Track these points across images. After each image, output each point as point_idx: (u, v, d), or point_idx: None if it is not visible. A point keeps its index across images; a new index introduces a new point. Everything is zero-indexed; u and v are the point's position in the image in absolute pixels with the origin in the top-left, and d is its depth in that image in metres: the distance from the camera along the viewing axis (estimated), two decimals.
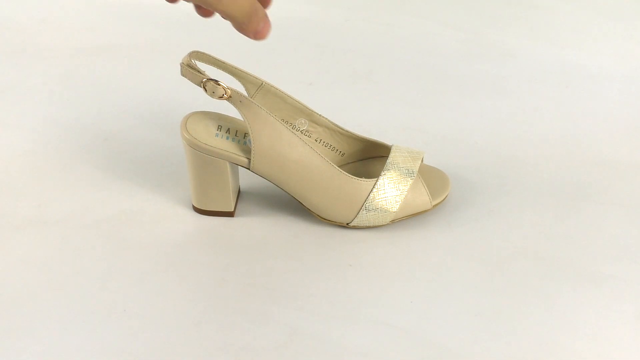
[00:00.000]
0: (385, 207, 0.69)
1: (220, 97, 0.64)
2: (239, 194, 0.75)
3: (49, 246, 0.69)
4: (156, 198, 0.75)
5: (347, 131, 0.73)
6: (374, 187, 0.68)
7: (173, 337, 0.60)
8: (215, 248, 0.69)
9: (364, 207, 0.68)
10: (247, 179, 0.77)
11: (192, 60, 0.65)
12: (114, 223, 0.72)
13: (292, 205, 0.73)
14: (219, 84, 0.63)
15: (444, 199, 0.72)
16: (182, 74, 0.65)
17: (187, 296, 0.65)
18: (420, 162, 0.71)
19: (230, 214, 0.72)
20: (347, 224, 0.70)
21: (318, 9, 1.14)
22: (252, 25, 0.54)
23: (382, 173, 0.69)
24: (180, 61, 0.64)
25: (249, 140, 0.69)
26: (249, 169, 0.68)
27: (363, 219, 0.69)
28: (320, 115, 0.72)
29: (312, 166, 0.67)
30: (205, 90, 0.64)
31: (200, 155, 0.68)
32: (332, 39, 1.07)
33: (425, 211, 0.71)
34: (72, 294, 0.64)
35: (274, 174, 0.68)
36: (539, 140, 0.86)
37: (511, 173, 0.81)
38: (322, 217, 0.70)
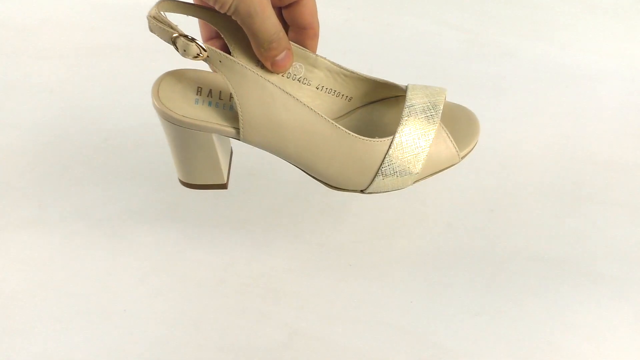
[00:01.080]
0: (405, 169, 0.58)
1: (195, 58, 0.52)
2: (231, 157, 0.66)
3: (49, 246, 0.69)
4: (156, 198, 0.75)
5: (351, 72, 0.62)
6: (389, 147, 0.57)
7: (173, 337, 0.60)
8: (215, 248, 0.69)
9: (379, 172, 0.57)
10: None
11: (162, 13, 0.53)
12: (114, 223, 0.72)
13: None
14: (192, 41, 0.52)
15: (473, 147, 0.61)
16: (151, 29, 0.53)
17: (187, 296, 0.65)
18: (442, 104, 0.60)
19: (223, 186, 0.63)
20: (362, 190, 0.59)
21: (318, 9, 1.14)
22: (272, 51, 0.53)
23: (400, 126, 0.57)
24: (147, 13, 0.53)
25: (236, 104, 0.57)
26: (238, 139, 0.57)
27: (380, 184, 0.58)
28: (317, 56, 0.61)
29: (314, 130, 0.56)
30: (176, 48, 0.52)
31: (179, 128, 0.57)
32: (332, 39, 1.07)
33: (452, 165, 0.60)
34: (72, 294, 0.64)
35: (269, 143, 0.56)
36: (538, 140, 0.86)
37: (511, 173, 0.81)
38: (331, 186, 0.60)
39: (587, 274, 0.67)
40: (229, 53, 0.58)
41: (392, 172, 0.57)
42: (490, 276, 0.67)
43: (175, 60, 0.70)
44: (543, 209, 0.75)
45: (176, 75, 0.58)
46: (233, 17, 0.52)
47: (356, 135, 0.56)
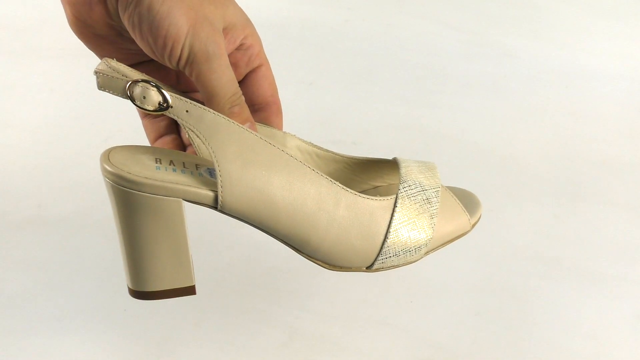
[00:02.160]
0: (416, 238, 0.49)
1: (156, 109, 0.43)
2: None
3: (49, 246, 0.69)
4: None
5: (326, 151, 0.53)
6: (394, 211, 0.48)
7: (173, 337, 0.60)
8: (215, 248, 0.69)
9: (385, 243, 0.48)
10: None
11: (110, 64, 0.44)
12: (114, 223, 0.72)
13: None
14: (152, 85, 0.42)
15: (479, 218, 0.54)
16: (100, 86, 0.43)
17: (187, 297, 0.65)
18: (437, 173, 0.53)
19: (190, 291, 0.48)
20: (368, 268, 0.50)
21: (318, 9, 1.14)
22: (234, 116, 0.45)
23: (400, 190, 0.49)
24: (95, 69, 0.43)
25: (206, 171, 0.47)
26: (216, 208, 0.45)
27: (388, 261, 0.49)
28: (286, 133, 0.52)
29: (307, 190, 0.46)
30: (133, 99, 0.42)
31: (138, 200, 0.44)
32: (332, 39, 1.07)
33: (464, 234, 0.53)
34: (72, 294, 0.64)
35: (255, 209, 0.45)
36: (538, 140, 0.86)
37: (511, 173, 0.81)
38: (330, 266, 0.49)
39: (587, 274, 0.67)
40: (184, 150, 0.50)
41: (402, 237, 0.48)
42: (490, 276, 0.67)
43: None
44: (543, 209, 0.75)
45: (127, 149, 0.46)
46: (186, 68, 0.44)
47: (357, 193, 0.48)
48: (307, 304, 0.64)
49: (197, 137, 0.44)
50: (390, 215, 0.48)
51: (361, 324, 0.62)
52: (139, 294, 0.47)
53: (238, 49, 0.48)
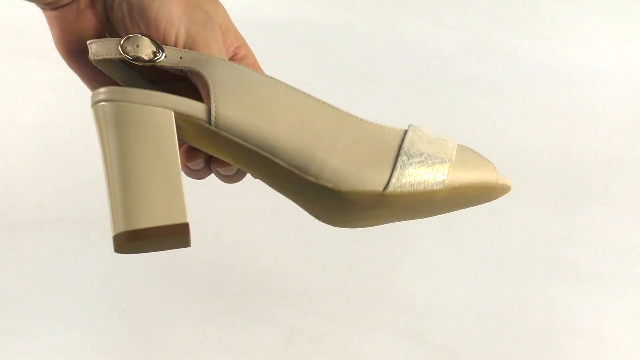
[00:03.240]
0: (435, 154, 0.43)
1: (150, 59, 0.41)
2: None
3: (49, 246, 0.69)
4: None
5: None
6: (406, 133, 0.43)
7: (173, 337, 0.60)
8: (215, 248, 0.69)
9: (401, 152, 0.42)
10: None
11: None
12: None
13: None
14: (145, 35, 0.41)
15: (509, 188, 0.48)
16: (94, 54, 0.43)
17: (187, 296, 0.64)
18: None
19: (184, 229, 0.42)
20: (384, 189, 0.42)
21: (318, 9, 1.14)
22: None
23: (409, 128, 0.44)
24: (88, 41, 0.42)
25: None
26: (209, 125, 0.41)
27: (406, 174, 0.42)
28: None
29: (309, 108, 0.43)
30: (127, 53, 0.41)
31: (128, 114, 0.40)
32: (332, 39, 1.07)
33: (490, 188, 0.46)
34: (72, 294, 0.64)
35: (251, 123, 0.41)
36: (538, 140, 0.86)
37: (511, 173, 0.80)
38: (340, 189, 0.42)
39: (587, 274, 0.67)
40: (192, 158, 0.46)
41: (416, 152, 0.42)
42: (490, 276, 0.67)
43: None
44: (543, 209, 0.75)
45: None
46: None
47: (364, 119, 0.44)
48: (307, 304, 0.64)
49: (193, 72, 0.41)
50: (403, 134, 0.43)
51: (361, 324, 0.62)
52: (129, 234, 0.41)
53: (231, 58, 0.45)
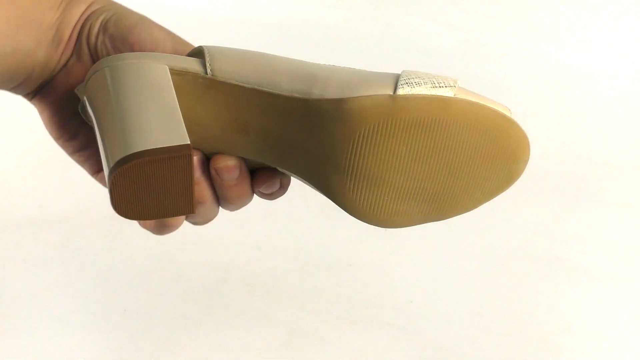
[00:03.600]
0: (436, 78, 0.41)
1: None
2: None
3: (49, 246, 0.69)
4: None
5: None
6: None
7: (173, 337, 0.60)
8: (215, 248, 0.69)
9: (400, 77, 0.40)
10: None
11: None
12: (114, 223, 0.72)
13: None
14: None
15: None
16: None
17: (187, 296, 0.64)
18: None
19: (186, 150, 0.37)
20: (394, 92, 0.39)
21: (318, 9, 1.14)
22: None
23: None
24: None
25: None
26: (205, 74, 0.40)
27: (412, 82, 0.39)
28: None
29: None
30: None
31: (124, 71, 0.39)
32: (332, 39, 1.07)
33: (507, 118, 0.43)
34: (72, 294, 0.64)
35: (246, 68, 0.40)
36: (538, 140, 0.86)
37: None
38: (348, 96, 0.39)
39: (587, 274, 0.67)
40: None
41: (416, 77, 0.40)
42: (490, 276, 0.67)
43: None
44: (543, 209, 0.75)
45: None
46: None
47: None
48: (307, 304, 0.64)
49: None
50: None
51: (361, 324, 0.62)
52: (128, 158, 0.36)
53: None
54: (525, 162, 0.46)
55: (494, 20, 1.13)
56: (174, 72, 0.39)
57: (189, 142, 0.36)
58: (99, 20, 0.41)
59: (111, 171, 0.37)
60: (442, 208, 0.44)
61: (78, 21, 0.41)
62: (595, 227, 0.73)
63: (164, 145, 0.36)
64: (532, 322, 0.62)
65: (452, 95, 0.40)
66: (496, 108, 0.42)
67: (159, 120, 0.37)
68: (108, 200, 0.43)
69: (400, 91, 0.38)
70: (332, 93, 0.39)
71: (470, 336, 0.61)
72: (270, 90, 0.39)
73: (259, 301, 0.64)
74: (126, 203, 0.38)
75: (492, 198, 0.46)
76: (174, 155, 0.36)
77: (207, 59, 0.40)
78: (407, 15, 1.14)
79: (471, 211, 0.49)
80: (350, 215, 0.43)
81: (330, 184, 0.42)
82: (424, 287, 0.66)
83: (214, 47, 0.41)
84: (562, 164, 0.82)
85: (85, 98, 0.40)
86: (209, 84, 0.40)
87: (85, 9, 0.41)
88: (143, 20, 0.41)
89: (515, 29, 1.11)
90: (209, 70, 0.39)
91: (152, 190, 0.37)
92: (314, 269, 0.67)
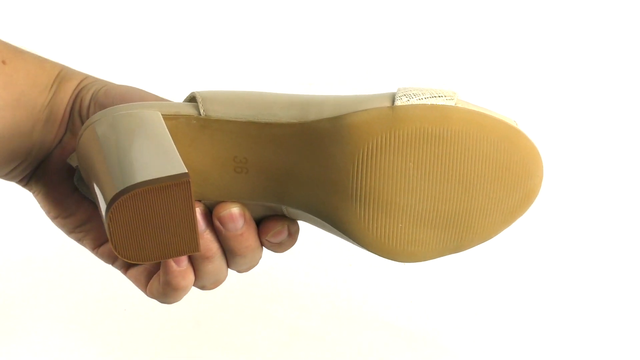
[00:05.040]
0: (435, 90, 0.39)
1: None
2: None
3: (49, 246, 0.69)
4: None
5: None
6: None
7: (173, 337, 0.60)
8: None
9: (398, 91, 0.38)
10: None
11: None
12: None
13: None
14: None
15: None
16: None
17: (187, 296, 0.65)
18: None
19: (184, 179, 0.35)
20: (392, 104, 0.37)
21: (318, 9, 1.14)
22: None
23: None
24: None
25: None
26: (199, 115, 0.39)
27: (410, 94, 0.38)
28: None
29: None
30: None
31: (118, 120, 0.38)
32: (332, 39, 1.07)
33: (512, 127, 0.42)
34: (72, 294, 0.64)
35: (244, 101, 0.39)
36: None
37: None
38: (346, 113, 0.37)
39: (587, 273, 0.67)
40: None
41: (414, 90, 0.38)
42: (490, 276, 0.67)
43: (177, 62, 0.70)
44: (542, 209, 0.75)
45: None
46: None
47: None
48: (307, 304, 0.64)
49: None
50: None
51: (361, 324, 0.62)
52: (124, 190, 0.34)
53: None
54: (540, 177, 0.42)
55: (494, 21, 1.13)
56: (167, 117, 0.38)
57: (186, 171, 0.34)
58: (90, 93, 0.41)
59: (107, 208, 0.34)
60: (461, 235, 0.42)
61: (70, 98, 0.41)
62: (595, 228, 0.73)
63: (161, 175, 0.34)
64: (532, 322, 0.62)
65: (453, 105, 0.38)
66: (499, 115, 0.41)
67: (154, 155, 0.36)
68: None
69: (399, 102, 0.37)
70: (328, 112, 0.37)
71: (470, 336, 0.61)
72: (267, 120, 0.38)
73: (259, 301, 0.64)
74: (126, 242, 0.35)
75: (511, 222, 0.43)
76: (172, 184, 0.34)
77: (200, 101, 0.39)
78: (407, 15, 1.14)
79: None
80: (368, 252, 0.40)
81: (340, 214, 0.39)
82: (424, 287, 0.66)
83: (205, 91, 0.40)
84: (562, 164, 0.82)
85: (78, 163, 0.39)
86: (203, 123, 0.39)
87: (77, 85, 0.41)
88: (132, 89, 0.41)
89: (515, 29, 1.11)
90: (202, 111, 0.38)
91: (152, 227, 0.35)
92: (314, 269, 0.67)
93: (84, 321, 0.62)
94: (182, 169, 0.35)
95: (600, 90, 0.97)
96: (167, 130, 0.37)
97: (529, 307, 0.64)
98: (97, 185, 0.36)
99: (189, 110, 0.38)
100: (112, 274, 0.66)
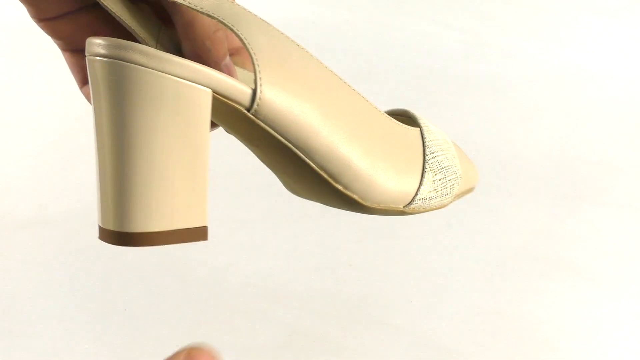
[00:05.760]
0: (450, 165, 0.42)
1: None
2: None
3: (49, 246, 0.69)
4: None
5: None
6: (423, 134, 0.41)
7: (173, 337, 0.60)
8: (215, 248, 0.69)
9: (426, 166, 0.40)
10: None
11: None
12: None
13: (292, 198, 0.73)
14: None
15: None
16: None
17: (187, 296, 0.65)
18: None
19: (201, 234, 0.35)
20: (405, 206, 0.40)
21: (318, 9, 1.14)
22: (212, 51, 0.34)
23: (420, 123, 0.42)
24: None
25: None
26: (249, 111, 0.33)
27: (428, 192, 0.40)
28: None
29: (345, 101, 0.38)
30: None
31: (157, 86, 0.31)
32: (332, 39, 1.07)
33: (474, 188, 0.46)
34: (72, 294, 0.64)
35: (294, 114, 0.35)
36: (538, 140, 0.86)
37: (511, 173, 0.81)
38: (366, 202, 0.38)
39: (587, 274, 0.67)
40: None
41: (439, 167, 0.40)
42: (490, 276, 0.67)
43: None
44: (543, 209, 0.75)
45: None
46: None
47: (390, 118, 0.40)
48: (307, 304, 0.64)
49: (222, 23, 0.33)
50: (422, 142, 0.40)
51: (361, 324, 0.62)
52: (126, 237, 0.32)
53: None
54: None
55: (494, 21, 1.13)
56: (214, 96, 0.32)
57: (206, 225, 0.34)
58: None
59: (106, 232, 0.33)
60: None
61: None
62: (595, 227, 0.73)
63: (182, 227, 0.33)
64: (532, 322, 0.62)
65: (457, 191, 0.42)
66: (472, 186, 0.45)
67: (180, 189, 0.32)
68: None
69: (412, 206, 0.39)
70: (354, 191, 0.37)
71: (470, 336, 0.61)
72: (303, 158, 0.36)
73: (259, 301, 0.64)
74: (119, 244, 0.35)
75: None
76: (186, 237, 0.34)
77: (259, 90, 0.33)
78: (407, 15, 1.14)
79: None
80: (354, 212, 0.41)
81: (317, 199, 0.42)
82: (424, 287, 0.66)
83: (265, 58, 0.34)
84: (562, 164, 0.82)
85: (100, 65, 0.31)
86: (248, 120, 0.34)
87: None
88: None
89: (515, 29, 1.11)
90: (254, 109, 0.33)
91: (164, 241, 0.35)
92: (314, 269, 0.67)
93: (84, 321, 0.62)
94: (204, 221, 0.33)
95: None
96: (209, 135, 0.32)
97: (529, 307, 0.64)
98: (99, 164, 0.32)
99: (244, 98, 0.33)
100: (113, 274, 0.67)
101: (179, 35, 0.34)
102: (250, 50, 0.33)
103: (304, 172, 0.37)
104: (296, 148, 0.35)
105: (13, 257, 0.68)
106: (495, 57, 1.04)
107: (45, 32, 0.38)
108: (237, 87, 0.32)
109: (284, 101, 0.34)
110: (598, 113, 0.92)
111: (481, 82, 0.98)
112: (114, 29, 0.37)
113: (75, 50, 0.38)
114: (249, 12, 0.34)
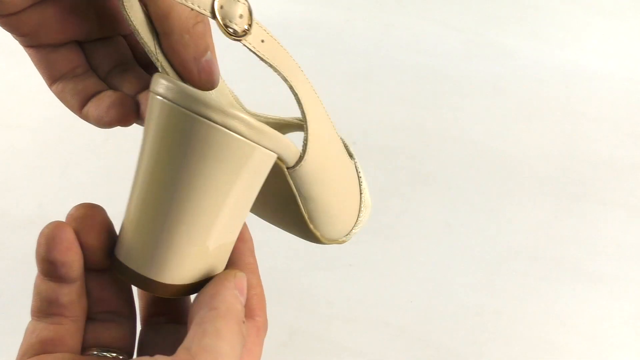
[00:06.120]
0: (366, 199, 0.43)
1: (238, 34, 0.32)
2: None
3: None
4: None
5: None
6: (357, 170, 0.43)
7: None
8: None
9: (361, 207, 0.42)
10: None
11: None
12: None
13: None
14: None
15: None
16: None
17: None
18: None
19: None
20: (345, 236, 0.44)
21: (318, 9, 1.14)
22: (192, 47, 0.32)
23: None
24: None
25: None
26: (289, 168, 0.34)
27: (360, 222, 0.44)
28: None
29: (345, 171, 0.40)
30: (216, 14, 0.31)
31: (234, 148, 0.29)
32: (332, 39, 1.07)
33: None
34: None
35: (321, 174, 0.36)
36: (538, 141, 0.86)
37: (511, 173, 0.80)
38: (323, 240, 0.42)
39: (587, 274, 0.67)
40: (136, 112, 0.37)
41: (366, 201, 0.43)
42: (490, 276, 0.67)
43: None
44: (543, 209, 0.75)
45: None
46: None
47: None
48: (307, 304, 0.64)
49: (276, 72, 0.34)
50: (357, 174, 0.42)
51: (361, 324, 0.62)
52: (155, 285, 0.32)
53: None
54: None
55: (494, 20, 1.13)
56: (278, 155, 0.32)
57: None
58: None
59: (137, 277, 0.32)
60: None
61: None
62: (595, 227, 0.73)
63: (208, 277, 0.33)
64: (531, 322, 0.62)
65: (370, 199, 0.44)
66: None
67: (215, 253, 0.32)
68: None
69: (353, 231, 0.43)
70: (321, 230, 0.40)
71: (470, 336, 0.61)
72: (299, 202, 0.37)
73: None
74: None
75: None
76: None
77: (306, 152, 0.33)
78: (407, 15, 1.14)
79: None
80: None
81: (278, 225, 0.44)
82: (424, 287, 0.66)
83: (314, 118, 0.34)
84: (562, 164, 0.82)
85: (181, 118, 0.30)
86: (280, 174, 0.33)
87: None
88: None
89: (515, 29, 1.11)
90: (298, 166, 0.33)
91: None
92: (314, 269, 0.67)
93: None
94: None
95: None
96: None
97: (529, 307, 0.64)
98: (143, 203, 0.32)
99: (292, 159, 0.33)
100: None
101: (155, 28, 0.32)
102: (304, 111, 0.33)
103: (288, 209, 0.37)
104: (300, 197, 0.36)
105: (13, 257, 0.68)
106: (495, 57, 1.04)
107: (7, 29, 0.36)
108: (292, 148, 0.32)
109: (316, 165, 0.34)
110: (598, 113, 0.92)
111: (481, 82, 0.98)
112: (81, 20, 0.35)
113: (39, 46, 0.36)
114: (298, 67, 0.35)
